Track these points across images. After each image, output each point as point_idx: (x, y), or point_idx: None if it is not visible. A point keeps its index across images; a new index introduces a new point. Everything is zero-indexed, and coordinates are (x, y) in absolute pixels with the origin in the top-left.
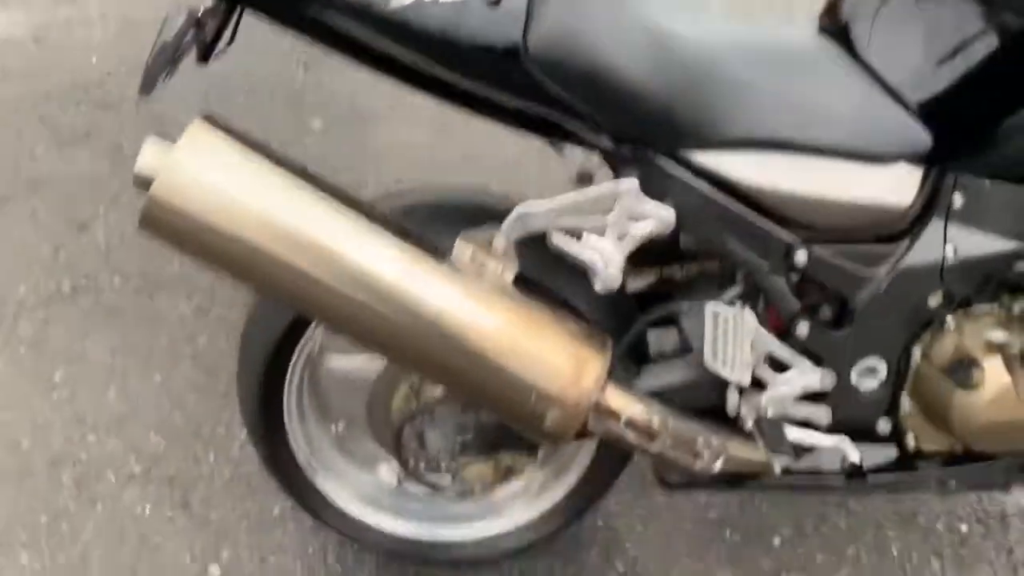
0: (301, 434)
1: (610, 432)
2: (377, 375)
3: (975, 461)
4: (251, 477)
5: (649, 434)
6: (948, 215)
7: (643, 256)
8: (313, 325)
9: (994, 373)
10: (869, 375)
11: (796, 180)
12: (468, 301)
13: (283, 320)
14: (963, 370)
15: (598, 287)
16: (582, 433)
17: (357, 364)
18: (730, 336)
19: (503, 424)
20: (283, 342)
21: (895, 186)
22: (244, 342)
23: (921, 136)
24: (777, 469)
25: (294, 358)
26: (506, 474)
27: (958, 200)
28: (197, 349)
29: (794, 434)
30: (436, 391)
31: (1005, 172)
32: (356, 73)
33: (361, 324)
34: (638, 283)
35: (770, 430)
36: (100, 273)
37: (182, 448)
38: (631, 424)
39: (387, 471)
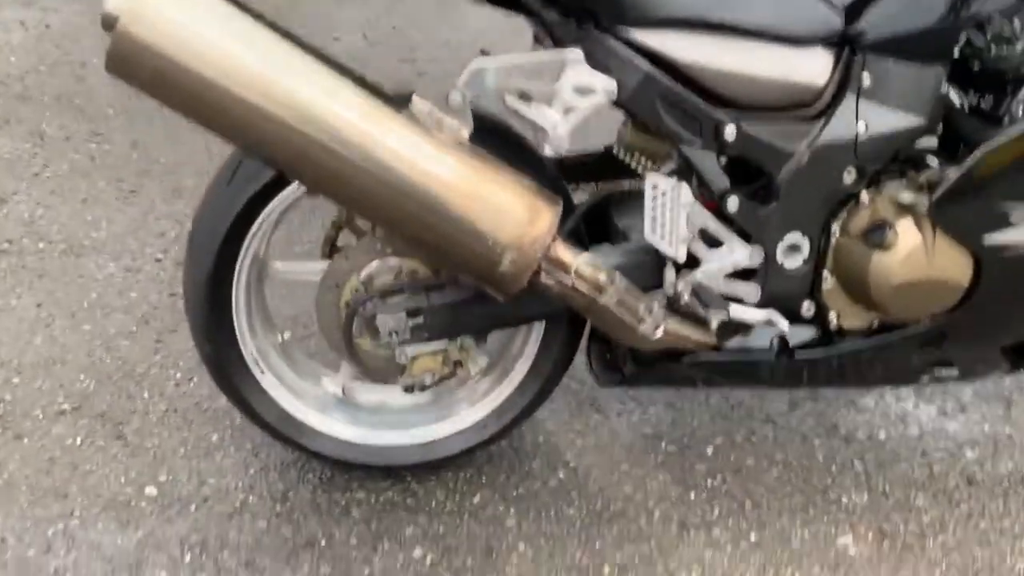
0: (248, 333)
1: (561, 283)
2: (324, 273)
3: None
4: (187, 412)
5: (597, 287)
6: (859, 93)
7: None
8: (259, 221)
9: (906, 233)
10: (793, 252)
11: (725, 58)
12: (427, 147)
13: (233, 210)
14: (878, 232)
15: (547, 151)
16: (534, 283)
17: (301, 269)
18: (667, 208)
19: (455, 305)
20: (232, 233)
21: (811, 65)
22: (192, 237)
23: (833, 19)
24: (714, 325)
25: (242, 253)
26: (454, 367)
27: (867, 79)
28: (128, 302)
29: (722, 316)
30: (387, 279)
31: (908, 52)
32: None
33: (320, 167)
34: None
35: (704, 293)
36: (23, 239)
37: (113, 387)
38: (580, 275)
39: (332, 382)
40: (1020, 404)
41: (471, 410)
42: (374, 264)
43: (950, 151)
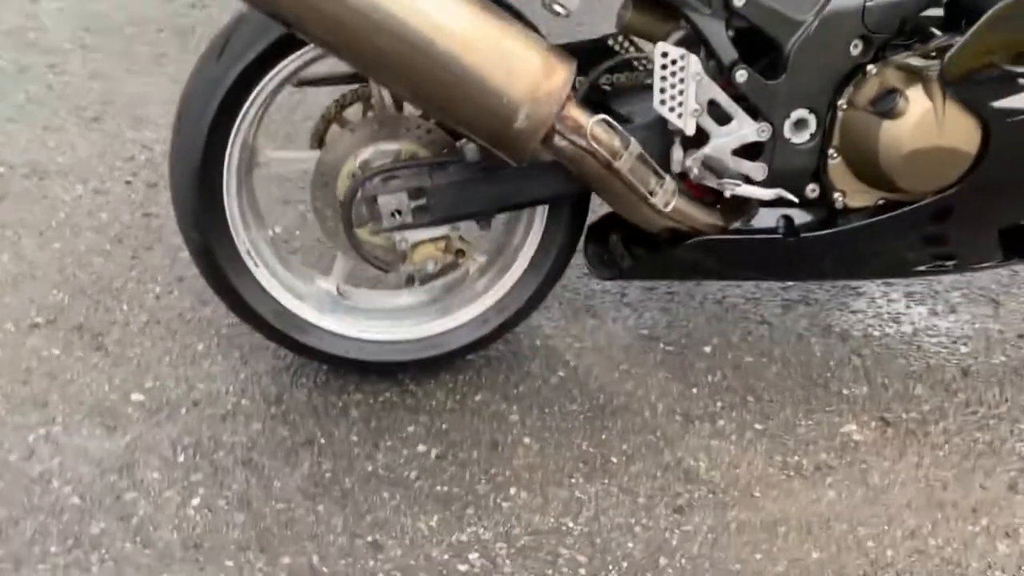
0: (241, 223)
1: (575, 144)
2: (319, 159)
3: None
4: (170, 322)
5: (612, 150)
6: None
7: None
8: (251, 97)
9: (916, 100)
10: (800, 128)
11: None
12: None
13: (224, 85)
14: (888, 99)
15: (559, 10)
16: (547, 145)
17: (293, 157)
18: (677, 78)
19: (460, 183)
20: (223, 110)
21: None
22: (180, 117)
23: None
24: (727, 194)
25: (233, 133)
26: (456, 256)
27: None
28: (99, 223)
29: (736, 188)
30: (385, 160)
31: None
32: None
33: (334, 22)
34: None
35: (717, 165)
36: None
37: (89, 301)
38: (595, 137)
39: (326, 282)
40: (1007, 304)
41: (472, 305)
42: (370, 148)
43: (953, 24)
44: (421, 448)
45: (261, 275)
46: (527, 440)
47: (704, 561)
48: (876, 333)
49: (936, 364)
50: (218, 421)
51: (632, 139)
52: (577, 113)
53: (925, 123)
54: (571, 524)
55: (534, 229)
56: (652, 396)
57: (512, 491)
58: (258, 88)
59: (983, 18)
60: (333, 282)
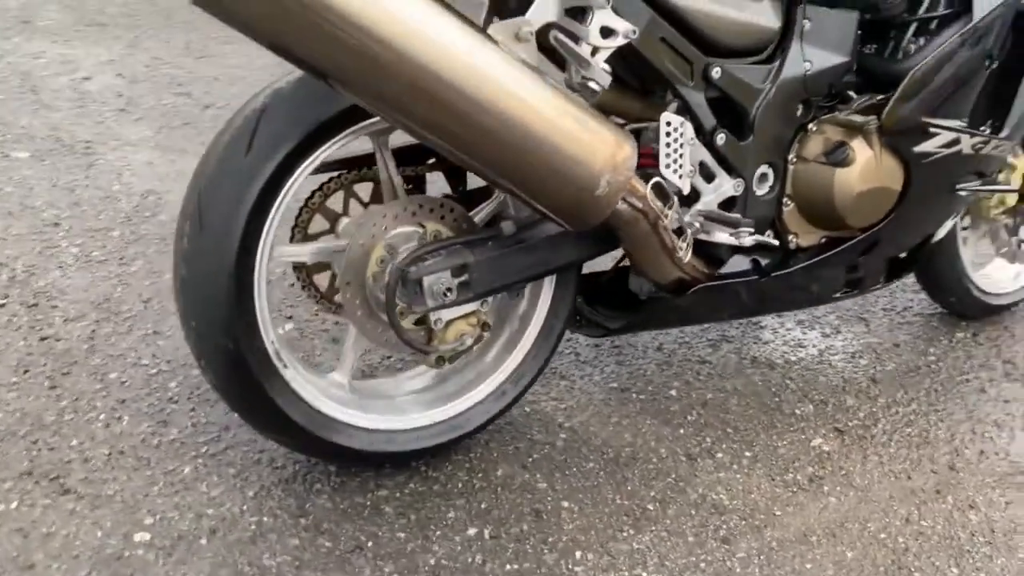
0: (270, 323)
1: (634, 206)
2: (348, 246)
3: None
4: (136, 450)
5: (661, 211)
6: (802, 37)
7: None
8: (283, 193)
9: (860, 149)
10: (763, 181)
11: (710, 5)
12: (529, 79)
13: (257, 182)
14: (840, 152)
15: (593, 85)
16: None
17: (301, 251)
18: (678, 143)
19: (500, 257)
20: (257, 208)
21: (769, 12)
22: (202, 217)
23: None
24: (744, 244)
25: (265, 231)
26: (483, 329)
27: (808, 24)
28: None
29: (725, 237)
30: (411, 244)
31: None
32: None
33: (428, 104)
34: None
35: (723, 219)
36: None
37: (24, 442)
38: (654, 196)
39: (338, 374)
40: (872, 320)
41: (487, 380)
42: (396, 232)
43: (866, 87)
44: (472, 531)
45: (291, 377)
46: (565, 503)
47: None
48: (792, 358)
49: (849, 377)
50: (248, 545)
51: (675, 199)
52: (636, 178)
53: (869, 168)
54: (645, 575)
55: (543, 295)
56: (651, 442)
57: (578, 555)
58: (290, 181)
59: (906, 80)
60: (345, 376)
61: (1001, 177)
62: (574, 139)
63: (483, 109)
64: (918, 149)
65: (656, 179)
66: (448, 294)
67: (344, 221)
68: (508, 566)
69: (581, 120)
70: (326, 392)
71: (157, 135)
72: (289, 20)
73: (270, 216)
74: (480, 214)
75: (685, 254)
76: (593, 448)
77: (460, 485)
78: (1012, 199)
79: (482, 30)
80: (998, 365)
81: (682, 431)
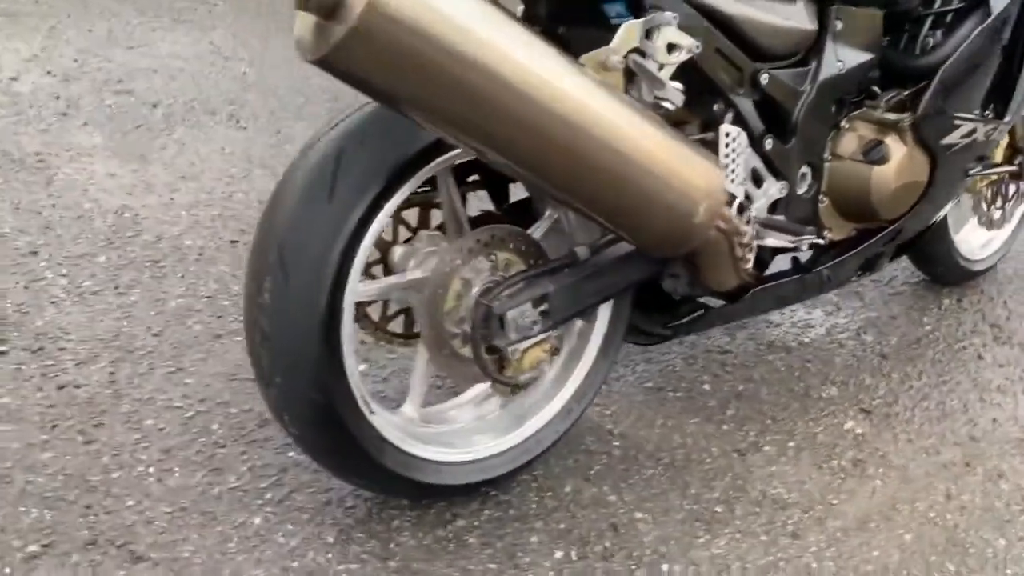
0: (356, 370)
1: (722, 229)
2: (422, 285)
3: (865, 240)
4: (198, 503)
5: (740, 230)
6: (835, 37)
7: None
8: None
9: (895, 146)
10: (803, 181)
11: (757, 11)
12: (631, 110)
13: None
14: (877, 150)
15: (668, 105)
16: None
17: (374, 289)
18: (736, 152)
19: (575, 284)
20: (345, 257)
21: (806, 15)
22: (286, 266)
23: None
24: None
25: (351, 278)
26: (554, 354)
27: (839, 25)
28: (6, 409)
29: (782, 242)
30: (485, 276)
31: (859, 0)
32: None
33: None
34: None
35: (781, 224)
36: None
37: (77, 508)
38: (739, 216)
39: (409, 409)
40: (867, 294)
41: (553, 401)
42: (468, 265)
43: (888, 83)
44: (559, 554)
45: (378, 423)
46: (638, 515)
47: (844, 570)
48: (805, 340)
49: (860, 355)
50: None
51: (751, 213)
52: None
53: (903, 164)
54: None
55: (601, 310)
56: (701, 442)
57: (664, 568)
58: (374, 223)
59: (937, 77)
60: (415, 409)
61: None
62: (675, 169)
63: (595, 146)
64: (944, 141)
65: (738, 200)
66: (533, 326)
67: (397, 251)
68: None
69: (677, 148)
70: (408, 432)
71: (110, 141)
72: (427, 84)
73: (356, 261)
74: (537, 233)
75: (750, 263)
76: (648, 454)
77: (534, 506)
78: None
79: (579, 63)
80: (987, 329)
81: (725, 427)
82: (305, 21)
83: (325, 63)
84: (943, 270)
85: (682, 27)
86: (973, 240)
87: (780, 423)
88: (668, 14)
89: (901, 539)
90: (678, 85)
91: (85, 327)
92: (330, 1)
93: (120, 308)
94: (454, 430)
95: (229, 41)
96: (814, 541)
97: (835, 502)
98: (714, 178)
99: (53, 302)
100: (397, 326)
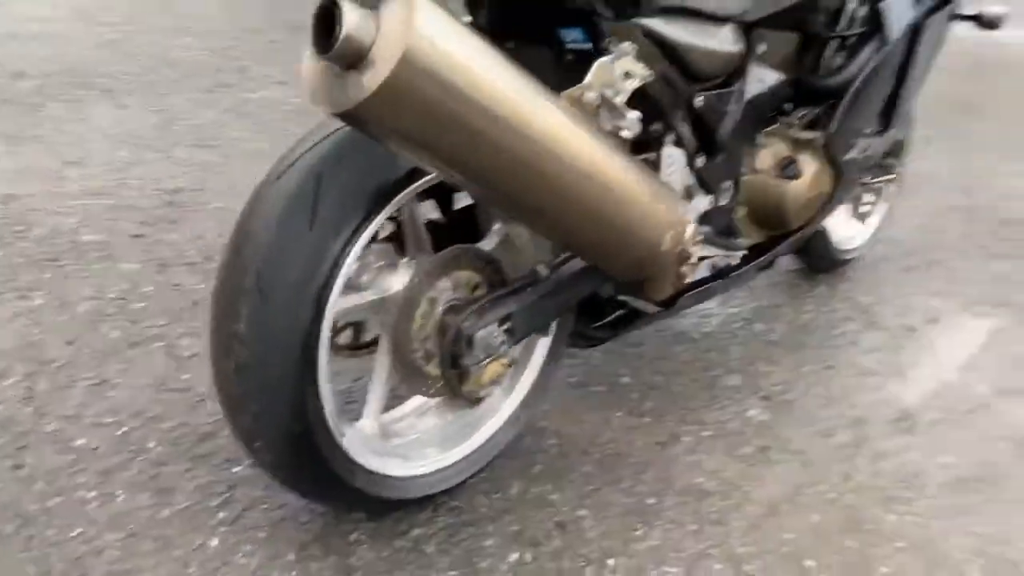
0: (330, 397)
1: (682, 247)
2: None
3: (775, 245)
4: (149, 527)
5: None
6: (758, 59)
7: None
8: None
9: (807, 162)
10: (726, 194)
11: (695, 37)
12: (611, 148)
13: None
14: (790, 168)
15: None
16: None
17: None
18: (674, 171)
19: (536, 302)
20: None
21: (734, 39)
22: (266, 297)
23: (742, 2)
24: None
25: (328, 306)
26: (509, 367)
27: (762, 47)
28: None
29: (716, 254)
30: (448, 295)
31: (779, 24)
32: None
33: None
34: None
35: (717, 237)
36: None
37: (16, 546)
38: (694, 240)
39: (368, 426)
40: (754, 283)
41: (501, 410)
42: (433, 287)
43: (800, 101)
44: (514, 556)
45: (347, 444)
46: (580, 512)
47: (766, 553)
48: (706, 330)
49: (754, 344)
50: None
51: (700, 238)
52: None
53: (815, 179)
54: (669, 569)
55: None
56: (627, 435)
57: (611, 563)
58: (354, 249)
59: (847, 98)
60: (374, 423)
61: None
62: (648, 204)
63: (586, 187)
64: (848, 157)
65: (694, 224)
66: (500, 345)
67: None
68: None
69: (648, 184)
70: (373, 449)
71: None
72: (445, 135)
73: (335, 287)
74: (488, 245)
75: (691, 277)
76: (581, 451)
77: (484, 510)
78: None
79: (559, 99)
80: (857, 316)
81: (647, 419)
82: (318, 68)
83: (350, 116)
84: (818, 259)
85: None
86: (844, 232)
87: (694, 413)
88: (628, 44)
89: (810, 521)
90: (637, 114)
91: None
92: (357, 52)
93: (26, 315)
94: (408, 443)
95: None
96: (736, 527)
97: (748, 489)
98: (677, 209)
99: None
100: (345, 338)
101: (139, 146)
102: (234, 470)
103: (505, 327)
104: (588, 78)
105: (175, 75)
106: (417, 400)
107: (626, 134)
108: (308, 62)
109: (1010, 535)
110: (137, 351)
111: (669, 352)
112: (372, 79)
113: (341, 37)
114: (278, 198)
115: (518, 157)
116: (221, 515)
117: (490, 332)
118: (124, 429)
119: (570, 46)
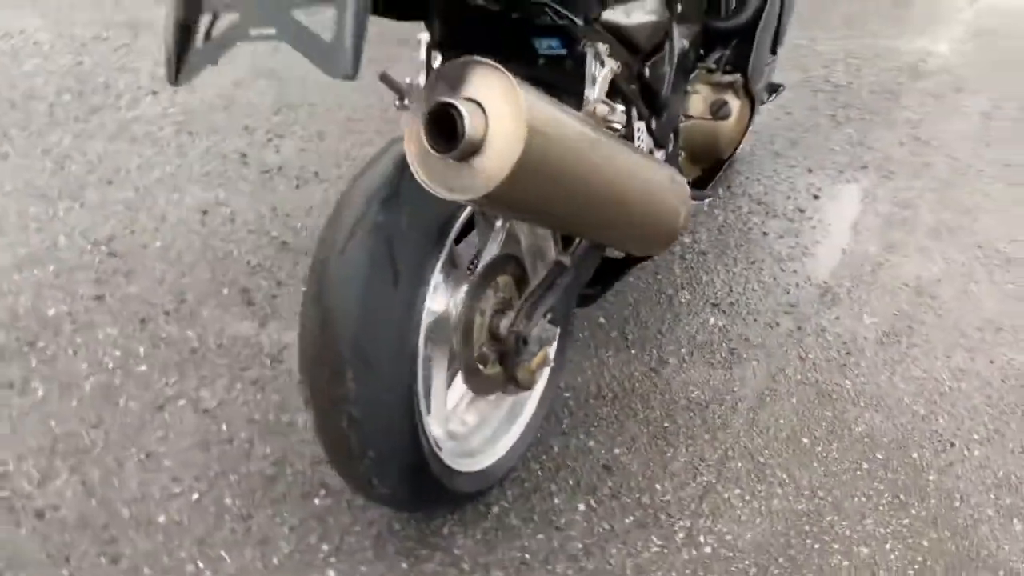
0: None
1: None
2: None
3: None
4: None
5: None
6: (679, 19)
7: None
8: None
9: (733, 101)
10: (670, 144)
11: (636, 15)
12: (630, 150)
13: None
14: (723, 109)
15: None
16: None
17: None
18: (641, 143)
19: (568, 288)
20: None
21: (659, 5)
22: (364, 358)
23: None
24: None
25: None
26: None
27: (679, 7)
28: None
29: None
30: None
31: None
32: None
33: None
34: None
35: None
36: None
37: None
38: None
39: (435, 428)
40: None
41: (530, 400)
42: (483, 299)
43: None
44: (582, 506)
45: (444, 456)
46: (616, 451)
47: (772, 442)
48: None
49: (690, 256)
50: None
51: None
52: None
53: (740, 114)
54: (706, 478)
55: None
56: (624, 370)
57: (657, 487)
58: (432, 287)
59: (756, 39)
60: (441, 425)
61: None
62: (663, 188)
63: (630, 195)
64: (759, 86)
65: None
66: (549, 336)
67: None
68: (627, 519)
69: (660, 171)
70: (451, 451)
71: None
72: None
73: (424, 325)
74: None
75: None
76: (595, 395)
77: (539, 472)
78: None
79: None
80: (757, 208)
81: (634, 351)
82: (437, 162)
83: (487, 200)
84: None
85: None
86: None
87: (667, 335)
88: (603, 46)
89: (791, 403)
90: (620, 107)
91: (9, 440)
92: (475, 146)
93: (34, 409)
94: (468, 437)
95: None
96: (739, 426)
97: (735, 389)
98: (683, 186)
99: None
100: None
101: (46, 198)
102: (315, 502)
103: (548, 318)
104: (596, 92)
105: (41, 107)
106: (452, 399)
107: (617, 126)
108: (421, 154)
109: (938, 372)
110: (165, 415)
111: (627, 283)
112: (499, 168)
113: (465, 139)
114: (354, 269)
115: (603, 193)
116: (325, 547)
117: (540, 327)
118: (196, 495)
119: (544, 52)
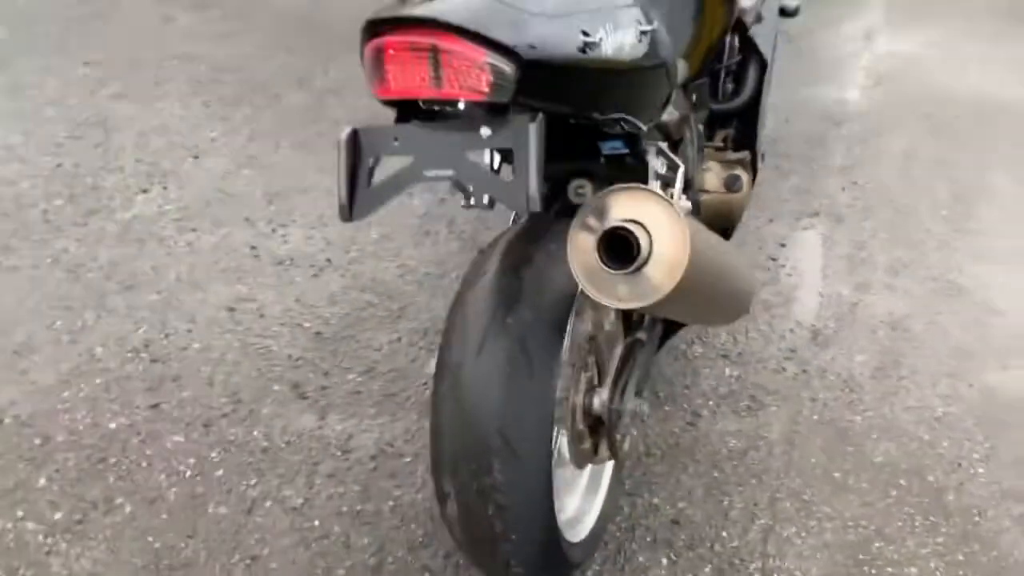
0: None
1: None
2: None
3: None
4: None
5: None
6: (693, 109)
7: None
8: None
9: (744, 174)
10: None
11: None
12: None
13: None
14: (737, 184)
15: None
16: None
17: None
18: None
19: (647, 358)
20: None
21: (684, 102)
22: (511, 445)
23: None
24: None
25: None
26: None
27: (694, 98)
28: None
29: None
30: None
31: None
32: None
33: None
34: None
35: None
36: None
37: None
38: None
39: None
40: None
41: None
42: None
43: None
44: (664, 560)
45: (567, 534)
46: (680, 505)
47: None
48: None
49: None
50: None
51: None
52: None
53: (748, 184)
54: (763, 521)
55: None
56: (665, 429)
57: (724, 534)
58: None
59: (759, 118)
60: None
61: None
62: (752, 271)
63: (734, 280)
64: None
65: None
66: (640, 405)
67: None
68: (705, 568)
69: (741, 253)
70: (569, 524)
71: None
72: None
73: (557, 408)
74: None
75: None
76: (646, 454)
77: (617, 533)
78: None
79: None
80: None
81: (668, 408)
82: (603, 278)
83: (656, 306)
84: None
85: None
86: None
87: (692, 388)
88: (663, 144)
89: (816, 444)
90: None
91: (112, 563)
92: (646, 259)
93: (126, 527)
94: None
95: None
96: (778, 468)
97: (766, 435)
98: (751, 262)
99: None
100: None
101: (71, 309)
102: (437, 558)
103: (636, 391)
104: (655, 183)
105: (35, 214)
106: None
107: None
108: (591, 270)
109: (929, 399)
110: (256, 518)
111: None
112: (669, 279)
113: (640, 260)
114: (494, 367)
115: (726, 285)
116: None
117: (632, 402)
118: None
119: (607, 153)
